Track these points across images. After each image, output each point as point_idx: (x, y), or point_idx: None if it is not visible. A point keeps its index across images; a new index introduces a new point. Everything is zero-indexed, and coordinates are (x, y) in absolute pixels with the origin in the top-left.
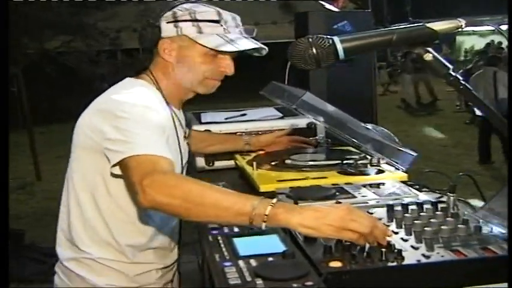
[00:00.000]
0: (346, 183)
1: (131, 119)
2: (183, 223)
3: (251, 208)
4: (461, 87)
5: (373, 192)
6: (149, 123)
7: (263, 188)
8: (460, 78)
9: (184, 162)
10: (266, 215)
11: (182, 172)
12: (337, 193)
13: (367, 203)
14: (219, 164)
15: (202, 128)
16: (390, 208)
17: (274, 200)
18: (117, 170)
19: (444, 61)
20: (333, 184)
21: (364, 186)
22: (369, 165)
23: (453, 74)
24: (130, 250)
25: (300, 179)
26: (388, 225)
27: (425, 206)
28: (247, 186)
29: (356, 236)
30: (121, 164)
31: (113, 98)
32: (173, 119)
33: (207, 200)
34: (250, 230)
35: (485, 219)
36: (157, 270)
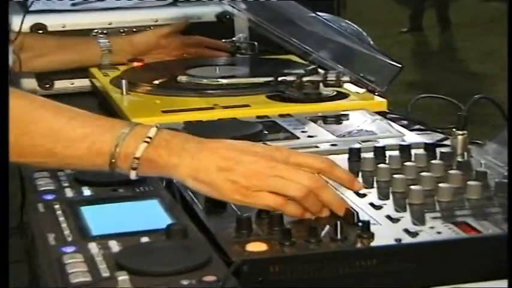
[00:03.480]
0: (281, 115)
1: None
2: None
3: (113, 144)
4: None
5: (328, 130)
6: None
7: None
8: None
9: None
10: (137, 158)
11: None
12: (267, 131)
13: (317, 147)
14: (62, 85)
15: (29, 21)
16: (354, 154)
17: (153, 131)
18: None
19: None
20: (259, 117)
21: (314, 120)
22: (321, 85)
23: None
24: None
25: (202, 109)
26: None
27: (414, 152)
28: None
29: (277, 202)
30: None
31: None
32: None
33: (40, 128)
34: (112, 193)
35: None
36: None
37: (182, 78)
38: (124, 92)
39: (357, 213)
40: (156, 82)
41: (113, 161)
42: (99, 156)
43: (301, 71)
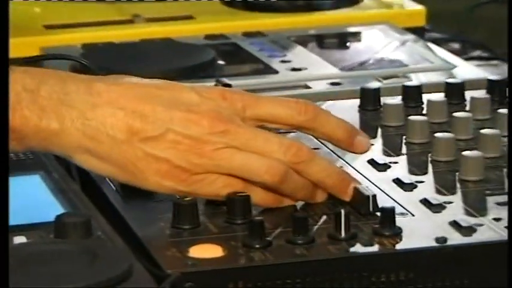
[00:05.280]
0: (247, 34)
1: None
2: None
3: None
4: None
5: (326, 60)
6: None
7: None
8: None
9: None
10: None
11: None
12: (223, 61)
13: (309, 87)
14: None
15: None
16: (370, 99)
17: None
18: None
19: None
20: (209, 36)
21: (302, 42)
22: None
23: None
24: None
25: (114, 22)
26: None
27: (471, 95)
28: None
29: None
30: None
31: None
32: None
33: None
34: None
35: None
36: None
37: None
38: None
39: (374, 196)
40: None
41: None
42: None
43: None
